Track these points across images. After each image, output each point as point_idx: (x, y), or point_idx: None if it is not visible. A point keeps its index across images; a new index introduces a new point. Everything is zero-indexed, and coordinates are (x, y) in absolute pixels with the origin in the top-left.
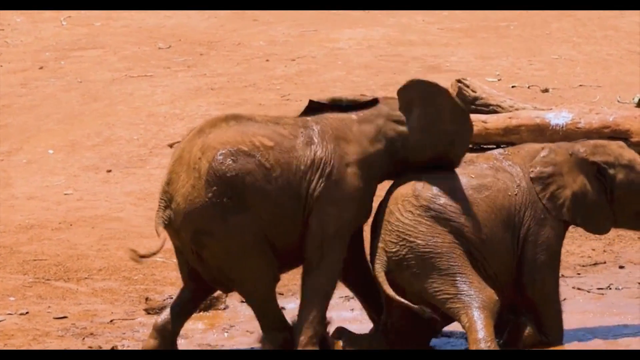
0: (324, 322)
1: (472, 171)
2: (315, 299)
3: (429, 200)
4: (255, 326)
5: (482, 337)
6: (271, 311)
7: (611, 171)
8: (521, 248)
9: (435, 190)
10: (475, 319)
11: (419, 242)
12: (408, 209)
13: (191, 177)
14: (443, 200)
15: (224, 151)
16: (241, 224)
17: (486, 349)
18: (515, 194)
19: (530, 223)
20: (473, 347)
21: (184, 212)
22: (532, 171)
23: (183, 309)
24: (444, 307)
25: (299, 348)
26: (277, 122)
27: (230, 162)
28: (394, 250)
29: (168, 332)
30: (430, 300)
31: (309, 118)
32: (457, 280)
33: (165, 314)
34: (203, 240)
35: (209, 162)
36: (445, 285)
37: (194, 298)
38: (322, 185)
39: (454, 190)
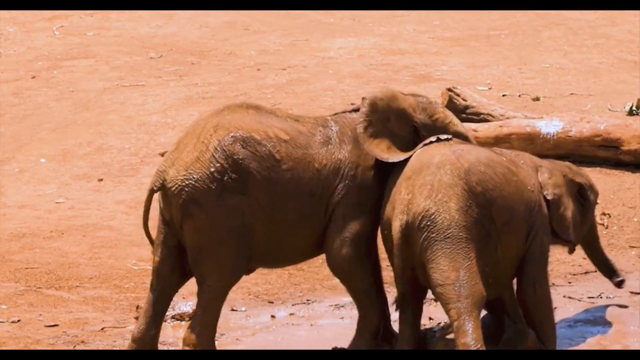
0: (381, 316)
1: (501, 153)
2: (362, 299)
3: (471, 164)
4: (245, 334)
5: (472, 342)
6: (216, 308)
7: (589, 192)
8: (528, 246)
9: (476, 156)
10: (464, 319)
11: (452, 204)
12: (447, 168)
13: (198, 149)
14: (483, 168)
15: (236, 134)
16: (236, 205)
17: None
18: (532, 191)
19: (538, 225)
20: (462, 349)
21: (182, 178)
22: (547, 193)
23: (155, 312)
24: (436, 290)
25: (360, 348)
26: (297, 120)
27: (240, 146)
28: (422, 205)
29: (146, 343)
30: (428, 272)
31: (329, 117)
32: (462, 265)
33: (140, 322)
34: (191, 210)
35: (219, 140)
36: (448, 266)
37: (163, 295)
38: (343, 187)
39: (494, 162)
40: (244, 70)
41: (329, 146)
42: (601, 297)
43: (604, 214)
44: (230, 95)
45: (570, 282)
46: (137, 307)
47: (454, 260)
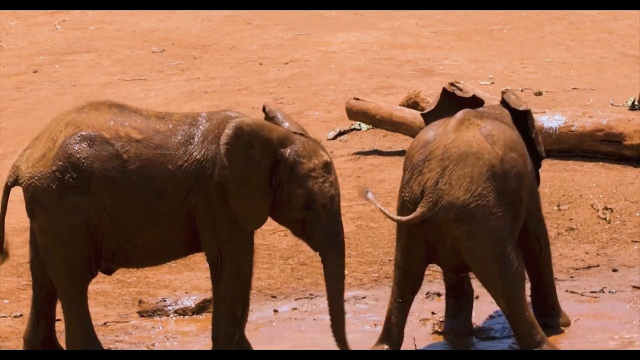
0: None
1: (509, 125)
2: (229, 302)
3: (504, 152)
4: (248, 328)
5: (531, 327)
6: (78, 313)
7: None
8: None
9: (505, 141)
10: (516, 308)
11: (490, 197)
12: (486, 158)
13: (46, 146)
14: (514, 154)
15: (84, 133)
16: (78, 205)
17: (539, 340)
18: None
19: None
20: (526, 338)
21: (29, 176)
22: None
23: (36, 311)
24: (480, 280)
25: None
26: (162, 118)
27: (85, 145)
28: (462, 198)
29: (35, 344)
30: (469, 262)
31: (202, 114)
32: (501, 254)
33: (27, 324)
34: (35, 210)
35: (65, 138)
36: (489, 257)
37: (40, 294)
38: (202, 186)
39: (515, 143)
40: (246, 65)
41: (189, 146)
42: (603, 292)
43: (606, 208)
44: (232, 89)
45: (572, 277)
46: (140, 301)
47: (494, 250)
